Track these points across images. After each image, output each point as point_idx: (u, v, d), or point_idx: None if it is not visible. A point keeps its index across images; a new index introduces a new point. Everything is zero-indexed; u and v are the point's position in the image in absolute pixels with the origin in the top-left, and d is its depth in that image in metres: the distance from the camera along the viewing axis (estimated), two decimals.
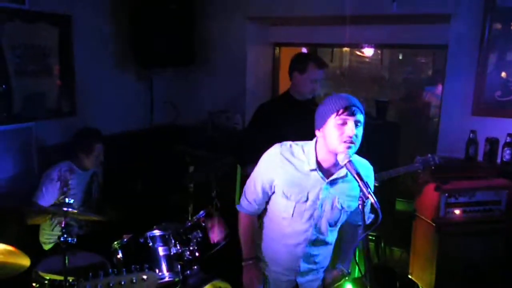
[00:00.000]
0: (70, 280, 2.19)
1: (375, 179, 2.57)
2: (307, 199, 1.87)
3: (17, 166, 3.19)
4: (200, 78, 4.36)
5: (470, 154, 3.26)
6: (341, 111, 1.73)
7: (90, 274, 1.66)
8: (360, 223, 2.07)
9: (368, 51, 5.08)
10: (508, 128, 3.16)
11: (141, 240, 2.56)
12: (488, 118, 3.25)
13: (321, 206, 1.89)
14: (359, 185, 1.70)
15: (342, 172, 1.84)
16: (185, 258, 2.65)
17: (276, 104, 3.06)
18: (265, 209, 2.05)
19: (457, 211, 2.91)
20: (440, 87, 4.12)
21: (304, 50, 5.05)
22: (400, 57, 6.00)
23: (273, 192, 1.95)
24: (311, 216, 1.90)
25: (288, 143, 1.92)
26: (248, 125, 3.07)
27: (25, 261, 2.10)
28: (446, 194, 2.88)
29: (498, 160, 3.21)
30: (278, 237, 2.00)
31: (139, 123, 4.24)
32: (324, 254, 2.05)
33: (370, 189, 1.68)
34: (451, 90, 3.41)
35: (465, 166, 3.21)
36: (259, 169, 1.96)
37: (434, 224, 2.87)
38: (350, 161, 1.73)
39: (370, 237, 3.62)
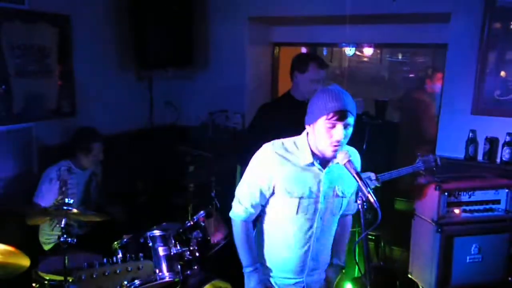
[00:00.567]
0: (70, 280, 2.19)
1: (377, 180, 2.58)
2: (310, 192, 1.85)
3: (16, 166, 3.19)
4: (200, 78, 4.37)
5: (469, 153, 3.27)
6: (331, 115, 1.71)
7: (85, 264, 1.66)
8: (350, 212, 2.09)
9: (368, 51, 5.09)
10: (508, 127, 3.17)
11: (141, 240, 2.56)
12: (488, 117, 3.25)
13: (324, 198, 1.87)
14: (358, 185, 1.71)
15: (336, 159, 1.82)
16: (185, 258, 2.64)
17: (277, 105, 3.07)
18: (264, 214, 2.00)
19: (457, 211, 2.91)
20: (439, 87, 4.13)
21: (303, 50, 5.06)
22: (400, 57, 6.01)
23: (272, 194, 1.91)
24: (316, 210, 1.88)
25: (279, 140, 1.90)
26: (250, 126, 3.08)
27: (25, 261, 2.11)
28: (446, 193, 2.87)
29: (498, 159, 3.22)
30: (283, 240, 1.95)
31: (139, 123, 4.24)
32: (327, 248, 2.02)
33: (370, 188, 1.68)
34: (451, 89, 3.42)
35: (465, 165, 3.21)
36: (254, 171, 1.91)
37: (434, 224, 2.87)
38: (349, 161, 1.74)
39: (370, 236, 3.63)
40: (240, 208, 1.96)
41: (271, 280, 2.03)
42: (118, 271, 1.67)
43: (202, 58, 4.24)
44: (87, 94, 3.64)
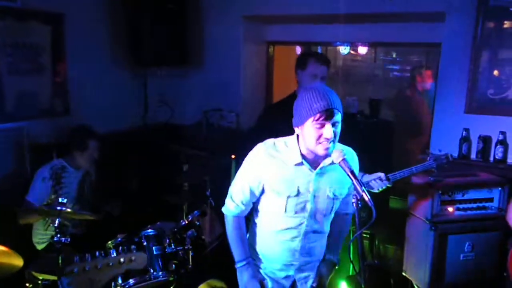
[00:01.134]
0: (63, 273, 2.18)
1: (387, 180, 2.54)
2: (298, 192, 1.87)
3: (9, 165, 3.17)
4: (194, 77, 4.35)
5: (463, 151, 3.28)
6: (318, 115, 1.71)
7: (77, 257, 1.65)
8: (348, 211, 2.10)
9: (362, 50, 5.09)
10: (501, 125, 3.18)
11: (136, 239, 2.55)
12: (481, 116, 3.26)
13: (314, 198, 1.90)
14: (353, 183, 1.71)
15: (328, 160, 1.84)
16: (180, 257, 2.64)
17: (282, 105, 3.04)
18: (256, 210, 2.04)
19: (450, 209, 2.93)
20: (433, 85, 4.15)
21: (298, 49, 5.06)
22: (394, 55, 6.03)
23: (262, 192, 1.95)
24: (304, 208, 1.91)
25: (271, 140, 1.92)
26: (254, 126, 3.07)
27: (18, 261, 2.09)
28: (440, 192, 2.89)
29: (491, 158, 3.24)
30: (272, 234, 1.99)
31: (133, 122, 4.22)
32: (320, 245, 2.06)
33: (364, 186, 1.69)
34: (444, 88, 3.43)
35: (458, 164, 3.22)
36: (246, 170, 1.95)
37: (427, 222, 2.88)
38: (344, 160, 1.75)
39: (364, 235, 3.63)
40: (232, 204, 2.01)
41: (262, 271, 2.08)
42: (110, 264, 1.66)
43: (196, 57, 4.22)
44: (80, 93, 3.61)
